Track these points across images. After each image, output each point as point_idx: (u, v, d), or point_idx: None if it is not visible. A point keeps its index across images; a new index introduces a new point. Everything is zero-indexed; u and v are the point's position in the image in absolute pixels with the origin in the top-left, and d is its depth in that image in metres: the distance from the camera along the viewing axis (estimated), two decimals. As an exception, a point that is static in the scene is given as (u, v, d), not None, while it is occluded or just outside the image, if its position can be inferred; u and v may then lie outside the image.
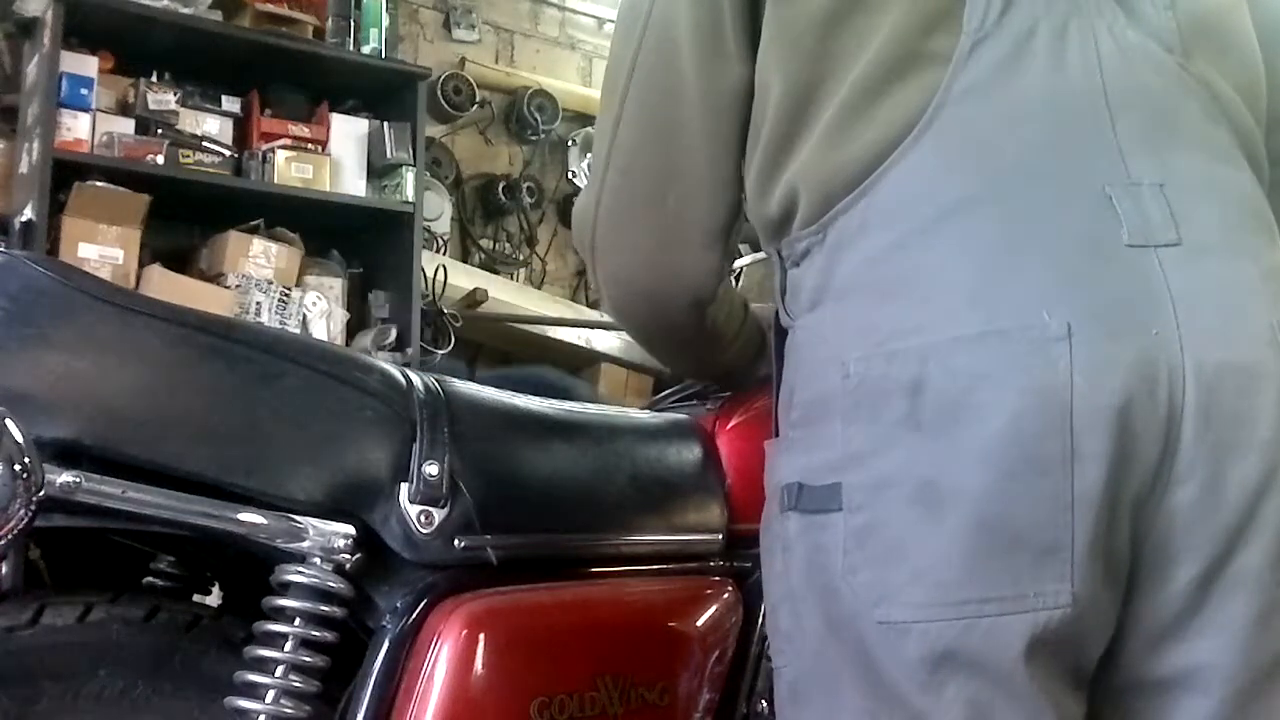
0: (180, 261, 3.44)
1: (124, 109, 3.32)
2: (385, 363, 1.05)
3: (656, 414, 1.31)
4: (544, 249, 4.37)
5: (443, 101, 4.04)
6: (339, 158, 3.58)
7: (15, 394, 0.86)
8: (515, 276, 4.27)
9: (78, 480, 0.84)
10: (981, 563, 0.83)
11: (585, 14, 4.58)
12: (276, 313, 3.34)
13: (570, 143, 4.38)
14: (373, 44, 3.67)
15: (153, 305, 0.95)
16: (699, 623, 1.16)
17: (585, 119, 4.40)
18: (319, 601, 0.95)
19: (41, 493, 0.81)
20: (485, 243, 4.26)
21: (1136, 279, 0.85)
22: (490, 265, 4.20)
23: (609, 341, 4.00)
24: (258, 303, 3.32)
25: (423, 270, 3.64)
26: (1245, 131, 0.96)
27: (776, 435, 1.00)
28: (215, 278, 3.35)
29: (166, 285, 3.16)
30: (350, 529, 0.96)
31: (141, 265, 3.23)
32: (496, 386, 1.88)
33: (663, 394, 1.47)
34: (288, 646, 0.95)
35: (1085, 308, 0.83)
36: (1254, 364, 0.85)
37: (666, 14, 1.00)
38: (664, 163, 1.01)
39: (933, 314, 0.86)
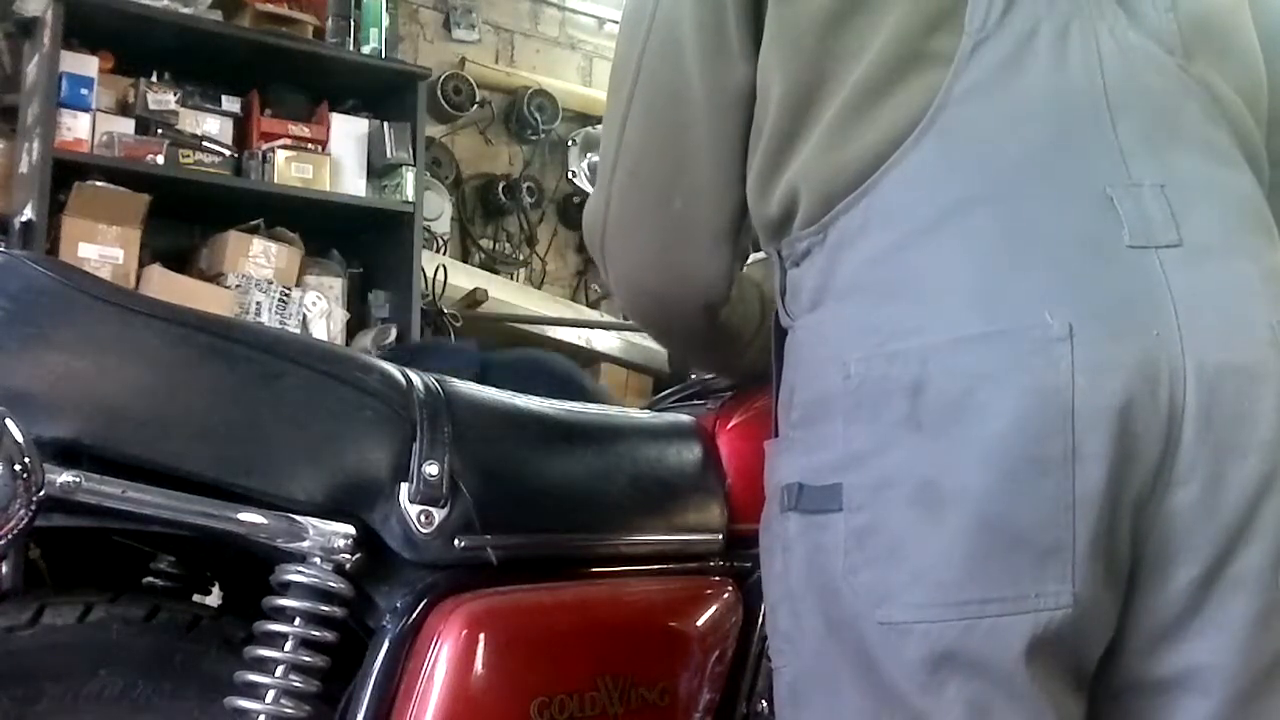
0: (180, 261, 3.44)
1: (124, 109, 3.32)
2: (385, 363, 1.05)
3: (656, 414, 1.31)
4: (544, 249, 4.38)
5: (443, 101, 4.05)
6: (339, 158, 3.59)
7: (15, 394, 0.86)
8: (515, 276, 4.27)
9: (78, 480, 0.84)
10: (982, 563, 0.83)
11: (585, 14, 4.58)
12: (276, 313, 3.34)
13: (570, 143, 4.38)
14: (373, 44, 3.67)
15: (153, 305, 0.95)
16: (699, 623, 1.16)
17: (585, 119, 4.40)
18: (319, 601, 0.95)
19: (41, 493, 0.81)
20: (485, 243, 4.26)
21: (1138, 280, 0.85)
22: (490, 265, 4.20)
23: (609, 341, 4.00)
24: (258, 303, 3.32)
25: (423, 270, 3.64)
26: (1246, 133, 0.96)
27: (776, 435, 1.00)
28: (215, 278, 3.35)
29: (166, 285, 3.16)
30: (350, 529, 0.96)
31: (141, 265, 3.23)
32: (505, 367, 1.88)
33: (663, 394, 1.47)
34: (288, 646, 0.95)
35: (1087, 308, 0.83)
36: (1254, 365, 0.85)
37: (671, 14, 1.00)
38: (670, 164, 1.01)
39: (934, 314, 0.86)
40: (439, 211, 3.97)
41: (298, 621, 0.95)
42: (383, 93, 3.72)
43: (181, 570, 1.06)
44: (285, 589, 0.96)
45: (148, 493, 0.88)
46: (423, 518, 0.98)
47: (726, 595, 1.19)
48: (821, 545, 0.90)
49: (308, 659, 0.95)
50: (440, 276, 3.66)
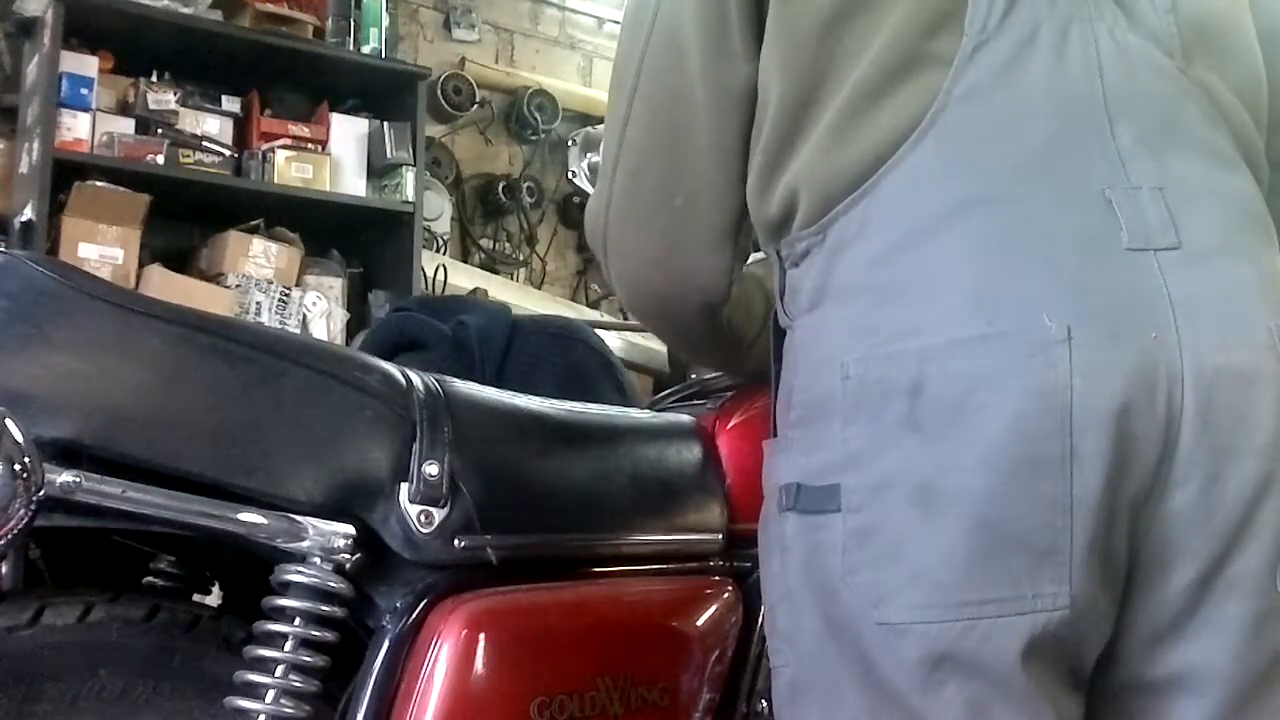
0: (180, 261, 3.45)
1: (124, 109, 3.32)
2: (385, 362, 1.05)
3: (656, 414, 1.31)
4: (544, 249, 4.38)
5: (443, 101, 4.05)
6: (339, 158, 3.59)
7: (15, 394, 0.86)
8: (515, 276, 4.27)
9: (78, 480, 0.84)
10: (980, 564, 0.83)
11: (585, 14, 4.58)
12: (276, 313, 3.34)
13: (570, 143, 4.38)
14: (373, 44, 3.67)
15: (153, 305, 0.95)
16: (699, 623, 1.16)
17: (585, 119, 4.40)
18: (319, 601, 0.95)
19: (41, 493, 0.81)
20: (485, 242, 4.26)
21: (1136, 282, 0.85)
22: (490, 265, 4.20)
23: (609, 341, 3.99)
24: (258, 303, 3.32)
25: (423, 270, 3.65)
26: (1245, 136, 0.96)
27: (775, 435, 1.00)
28: (215, 278, 3.35)
29: (166, 285, 3.16)
30: (350, 529, 0.96)
31: (141, 265, 3.23)
32: (537, 329, 1.87)
33: (663, 394, 1.47)
34: (288, 646, 0.95)
35: (1085, 311, 0.83)
36: (1252, 368, 0.85)
37: (673, 14, 1.00)
38: (671, 163, 1.01)
39: (932, 316, 0.86)
40: (439, 211, 3.97)
41: (298, 621, 0.95)
42: (383, 93, 3.72)
43: (181, 570, 1.06)
44: (285, 589, 0.96)
45: (148, 493, 0.88)
46: (423, 518, 0.99)
47: (726, 595, 1.19)
48: (820, 545, 0.90)
49: (308, 659, 0.95)
50: (440, 276, 3.67)
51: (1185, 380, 0.83)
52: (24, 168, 3.27)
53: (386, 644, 0.98)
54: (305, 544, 0.94)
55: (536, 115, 4.24)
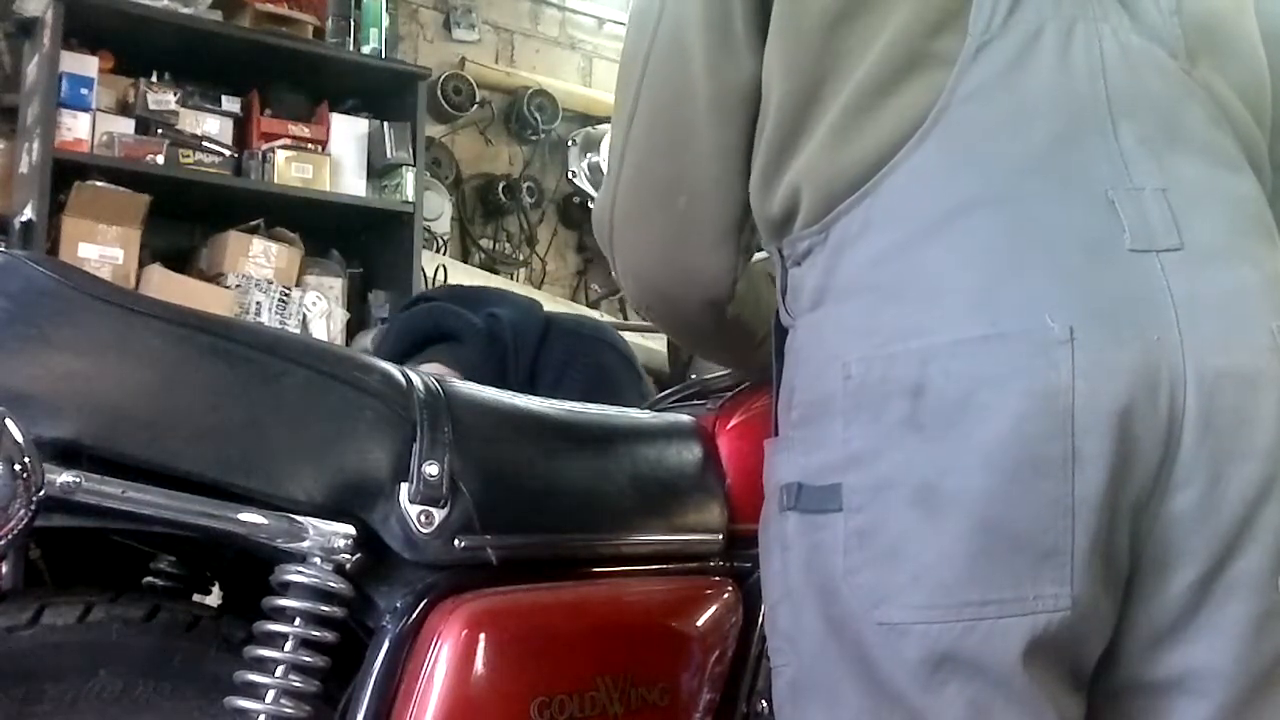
0: (180, 261, 3.45)
1: (124, 109, 3.32)
2: (385, 363, 1.05)
3: (656, 414, 1.31)
4: (544, 249, 4.38)
5: (443, 101, 4.05)
6: (339, 158, 3.59)
7: (15, 394, 0.85)
8: (515, 276, 4.27)
9: (78, 480, 0.84)
10: (982, 565, 0.83)
11: (585, 14, 4.58)
12: (276, 313, 3.34)
13: (570, 143, 4.38)
14: (373, 44, 3.67)
15: (153, 305, 0.95)
16: (699, 623, 1.16)
17: (585, 119, 4.40)
18: (319, 601, 0.95)
19: (41, 493, 0.81)
20: (485, 243, 4.26)
21: (1139, 283, 0.85)
22: (490, 265, 4.20)
23: (610, 341, 3.99)
24: (258, 303, 3.32)
25: (423, 270, 3.65)
26: (1248, 137, 0.96)
27: (776, 434, 1.00)
28: (215, 278, 3.35)
29: (166, 285, 3.16)
30: (350, 529, 0.96)
31: (141, 265, 3.23)
32: (570, 331, 1.87)
33: (663, 394, 1.47)
34: (288, 646, 0.95)
35: (1088, 312, 0.83)
36: (1254, 370, 0.85)
37: (678, 12, 1.00)
38: (675, 161, 1.02)
39: (935, 316, 0.86)
40: (439, 211, 3.97)
41: (298, 621, 0.95)
42: (383, 93, 3.72)
43: (181, 570, 1.06)
44: (285, 589, 0.95)
45: (148, 493, 0.88)
46: (423, 518, 0.98)
47: (726, 595, 1.19)
48: (820, 545, 0.90)
49: (308, 659, 0.95)
50: (440, 277, 3.67)
51: (1188, 382, 0.83)
52: (24, 168, 3.27)
53: (386, 644, 0.98)
54: (305, 544, 0.94)
55: (536, 115, 4.24)
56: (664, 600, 1.16)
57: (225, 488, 0.92)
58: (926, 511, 0.84)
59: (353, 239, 3.70)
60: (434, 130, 4.06)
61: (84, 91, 3.20)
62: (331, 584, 0.95)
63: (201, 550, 1.05)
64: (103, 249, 3.15)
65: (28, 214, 3.11)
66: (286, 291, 3.38)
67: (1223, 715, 0.86)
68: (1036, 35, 0.90)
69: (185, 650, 0.97)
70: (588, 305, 4.31)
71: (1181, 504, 0.84)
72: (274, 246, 3.42)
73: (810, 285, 0.95)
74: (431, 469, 0.99)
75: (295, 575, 0.95)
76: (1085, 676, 0.88)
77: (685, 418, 1.28)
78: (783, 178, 0.95)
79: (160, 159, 3.28)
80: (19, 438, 0.80)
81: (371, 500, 0.97)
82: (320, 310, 3.43)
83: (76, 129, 3.17)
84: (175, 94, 3.37)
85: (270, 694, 0.94)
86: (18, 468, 0.80)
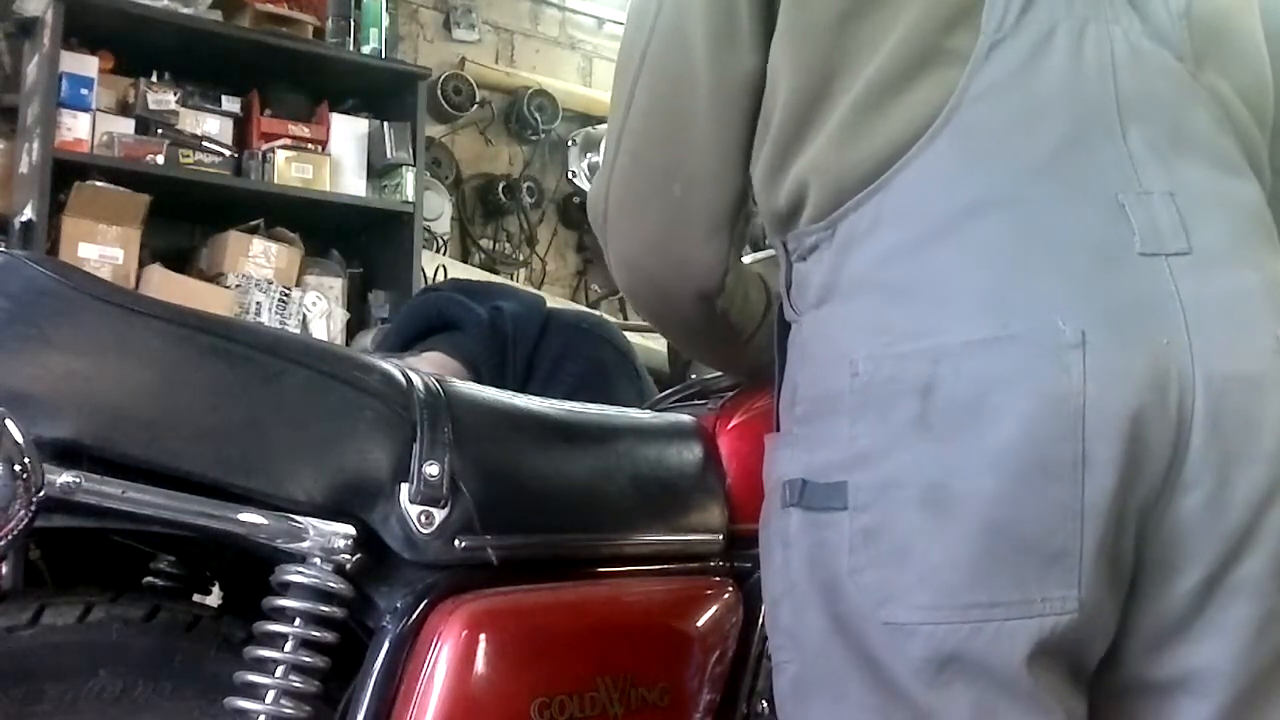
0: (180, 261, 3.45)
1: (124, 109, 3.32)
2: (385, 363, 1.05)
3: (657, 414, 1.31)
4: (544, 249, 4.38)
5: (443, 101, 4.05)
6: (339, 158, 3.59)
7: (15, 394, 0.85)
8: (515, 276, 4.27)
9: (78, 480, 0.84)
10: (989, 567, 0.83)
11: (585, 14, 4.58)
12: (276, 313, 3.34)
13: (570, 143, 4.38)
14: (373, 44, 3.67)
15: (153, 305, 0.95)
16: (699, 623, 1.16)
17: (585, 119, 4.40)
18: (319, 602, 0.95)
19: (41, 493, 0.81)
20: (485, 243, 4.26)
21: (1148, 287, 0.85)
22: (490, 265, 4.20)
23: (609, 341, 3.99)
24: (258, 303, 3.32)
25: (423, 270, 3.64)
26: (1251, 141, 0.95)
27: (778, 429, 1.00)
28: (215, 278, 3.35)
29: (166, 285, 3.16)
30: (350, 529, 0.96)
31: (141, 265, 3.23)
32: (570, 326, 1.88)
33: (663, 394, 1.47)
34: (288, 646, 0.95)
35: (1099, 315, 0.83)
36: (1260, 374, 0.85)
37: (680, 1, 0.99)
38: (671, 150, 1.01)
39: (945, 316, 0.85)
40: (439, 211, 3.97)
41: (298, 622, 0.95)
42: (383, 93, 3.72)
43: (181, 570, 1.06)
44: (285, 589, 0.95)
45: (148, 493, 0.88)
46: (423, 518, 0.98)
47: (726, 595, 1.19)
48: (824, 542, 0.89)
49: (308, 659, 0.95)
50: (440, 276, 3.66)
51: (1196, 386, 0.83)
52: (24, 168, 3.27)
53: (387, 644, 0.98)
54: (305, 544, 0.94)
55: (536, 115, 4.24)
56: (664, 600, 1.16)
57: (225, 488, 0.92)
58: (934, 512, 0.84)
59: (353, 239, 3.70)
60: (434, 130, 4.07)
61: (84, 91, 3.20)
62: (331, 584, 0.95)
63: (201, 550, 1.05)
64: (103, 249, 3.15)
65: (28, 214, 3.11)
66: (286, 291, 3.38)
67: (1224, 715, 0.86)
68: (1049, 35, 0.90)
69: (185, 650, 0.97)
70: (588, 305, 4.31)
71: (1188, 507, 0.84)
72: (274, 246, 3.42)
73: (816, 281, 0.94)
74: (432, 469, 0.99)
75: (295, 575, 0.94)
76: (1087, 676, 0.88)
77: (685, 418, 1.28)
78: (789, 172, 0.95)
79: (160, 159, 3.28)
80: (19, 438, 0.80)
81: (372, 500, 0.97)
82: (320, 310, 3.43)
83: (76, 129, 3.17)
84: (175, 94, 3.37)
85: (270, 694, 0.93)
86: (18, 468, 0.80)
